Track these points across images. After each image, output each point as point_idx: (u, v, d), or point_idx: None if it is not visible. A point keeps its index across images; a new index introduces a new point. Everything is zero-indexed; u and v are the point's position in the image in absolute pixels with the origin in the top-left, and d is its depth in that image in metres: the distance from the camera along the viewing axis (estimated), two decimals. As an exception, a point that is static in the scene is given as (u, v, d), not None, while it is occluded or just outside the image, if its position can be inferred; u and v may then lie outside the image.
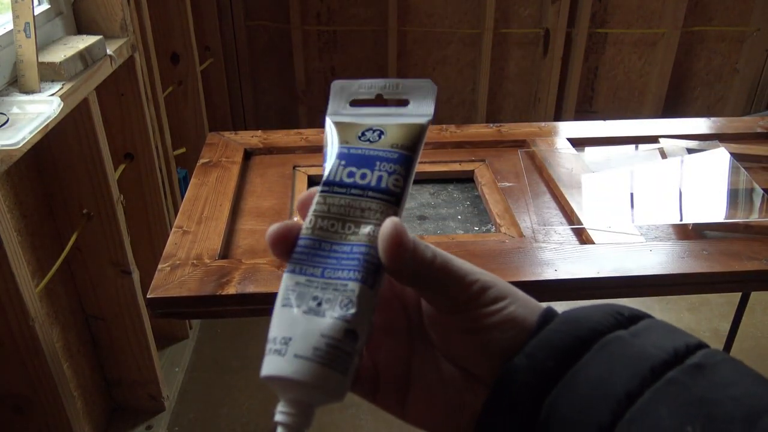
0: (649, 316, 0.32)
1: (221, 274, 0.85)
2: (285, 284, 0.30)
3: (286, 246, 0.31)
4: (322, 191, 0.32)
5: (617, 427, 0.27)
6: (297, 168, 1.16)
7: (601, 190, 1.07)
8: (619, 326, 0.30)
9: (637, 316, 0.31)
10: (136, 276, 1.40)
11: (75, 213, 1.28)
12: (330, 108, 0.35)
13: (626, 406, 0.27)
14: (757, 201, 1.01)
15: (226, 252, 0.93)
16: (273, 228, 0.31)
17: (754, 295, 1.55)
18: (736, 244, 0.91)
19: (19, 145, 0.89)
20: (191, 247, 0.91)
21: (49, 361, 1.02)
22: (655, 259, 0.88)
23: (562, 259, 0.88)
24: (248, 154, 1.21)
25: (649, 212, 1.03)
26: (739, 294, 1.47)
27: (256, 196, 1.08)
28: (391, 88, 0.34)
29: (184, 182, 1.81)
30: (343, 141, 0.33)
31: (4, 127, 0.93)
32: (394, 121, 0.34)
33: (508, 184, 1.10)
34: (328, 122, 0.35)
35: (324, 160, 0.33)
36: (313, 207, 0.32)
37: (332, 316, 0.29)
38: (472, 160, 1.19)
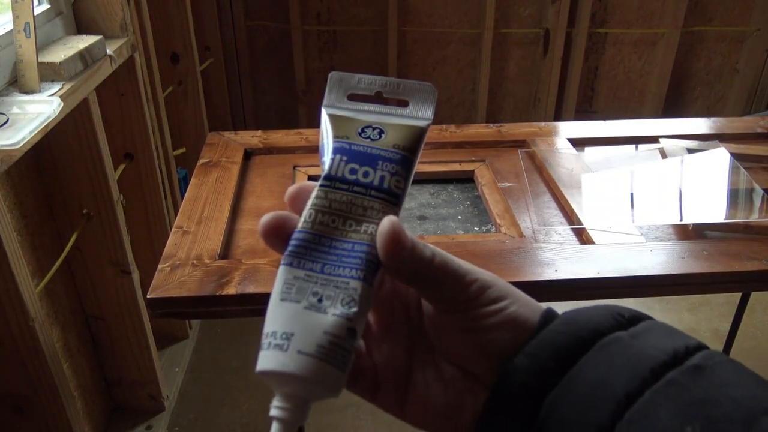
0: (649, 318, 0.32)
1: (221, 274, 0.85)
2: (283, 277, 0.30)
3: (280, 237, 0.31)
4: (322, 185, 0.32)
5: (616, 428, 0.27)
6: (297, 168, 1.16)
7: (601, 190, 1.07)
8: (619, 327, 0.31)
9: (637, 318, 0.31)
10: (136, 276, 1.40)
11: (75, 213, 1.28)
12: (326, 99, 0.35)
13: (625, 406, 0.27)
14: (757, 201, 1.01)
15: (226, 252, 0.93)
16: (267, 217, 0.31)
17: (754, 295, 1.55)
18: (737, 244, 0.91)
19: (19, 145, 0.89)
20: (191, 248, 0.91)
21: (49, 361, 1.02)
22: (656, 259, 0.88)
23: (563, 260, 0.88)
24: (248, 154, 1.21)
25: (649, 212, 1.03)
26: (739, 294, 1.47)
27: (256, 196, 1.08)
28: (391, 87, 0.34)
29: (184, 182, 1.81)
30: (342, 135, 0.33)
31: (4, 127, 0.93)
32: (394, 120, 0.33)
33: (508, 184, 1.10)
34: (324, 114, 0.34)
35: (321, 153, 0.33)
36: (312, 200, 0.31)
37: (334, 313, 0.29)
38: (472, 160, 1.19)
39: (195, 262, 0.88)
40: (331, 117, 0.34)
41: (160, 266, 0.87)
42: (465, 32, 2.39)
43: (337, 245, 0.30)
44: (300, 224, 0.31)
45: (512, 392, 0.30)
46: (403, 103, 0.34)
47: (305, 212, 0.31)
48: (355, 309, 0.29)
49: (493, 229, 1.02)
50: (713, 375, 0.27)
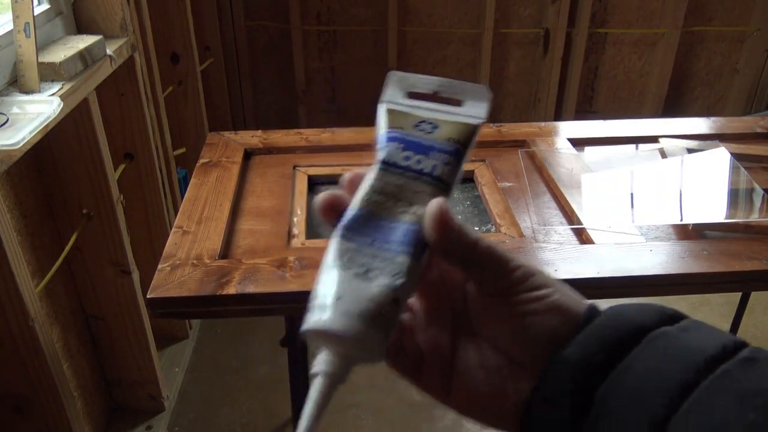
0: (688, 317, 0.32)
1: (221, 274, 0.85)
2: (335, 248, 0.32)
3: (335, 213, 0.33)
4: (380, 168, 0.33)
5: (673, 419, 0.27)
6: (297, 168, 1.16)
7: (601, 190, 1.07)
8: (663, 323, 0.31)
9: (679, 315, 0.32)
10: (136, 276, 1.40)
11: (75, 213, 1.28)
12: (385, 96, 0.36)
13: (681, 397, 0.27)
14: (757, 201, 1.01)
15: (226, 252, 0.93)
16: (324, 194, 0.33)
17: (754, 295, 1.55)
18: (737, 244, 0.91)
19: (19, 145, 0.89)
20: (191, 247, 0.91)
21: (49, 361, 1.02)
22: (655, 259, 0.88)
23: (562, 259, 0.88)
24: (248, 154, 1.21)
25: (649, 212, 1.03)
26: (739, 294, 1.47)
27: (256, 196, 1.08)
28: (448, 87, 0.36)
29: (184, 182, 1.81)
30: (398, 127, 0.35)
31: (4, 127, 0.93)
32: (448, 117, 0.35)
33: (508, 184, 1.10)
34: (383, 108, 0.36)
35: (376, 142, 0.35)
36: (367, 182, 0.33)
37: (380, 284, 0.30)
38: (472, 160, 1.19)
39: (195, 261, 0.88)
40: (389, 111, 0.36)
41: (160, 266, 0.87)
42: (465, 32, 2.39)
43: (387, 223, 0.32)
44: (356, 202, 0.33)
45: (561, 385, 0.30)
46: (458, 103, 0.36)
47: (360, 192, 0.33)
48: (400, 281, 0.30)
49: (493, 229, 1.02)
50: (765, 367, 0.28)
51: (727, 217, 0.99)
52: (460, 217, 1.06)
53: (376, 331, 0.30)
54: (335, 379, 0.30)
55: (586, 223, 0.96)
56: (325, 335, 0.30)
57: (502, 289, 0.32)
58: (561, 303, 0.32)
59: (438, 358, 0.34)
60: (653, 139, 1.23)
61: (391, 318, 0.30)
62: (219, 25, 2.27)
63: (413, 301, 0.35)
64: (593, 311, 0.32)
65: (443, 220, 0.31)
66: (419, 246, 0.31)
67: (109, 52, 1.23)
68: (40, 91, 1.04)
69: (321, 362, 0.30)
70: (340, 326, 0.29)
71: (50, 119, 0.97)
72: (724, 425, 0.26)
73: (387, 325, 0.30)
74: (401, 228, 0.32)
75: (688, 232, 0.97)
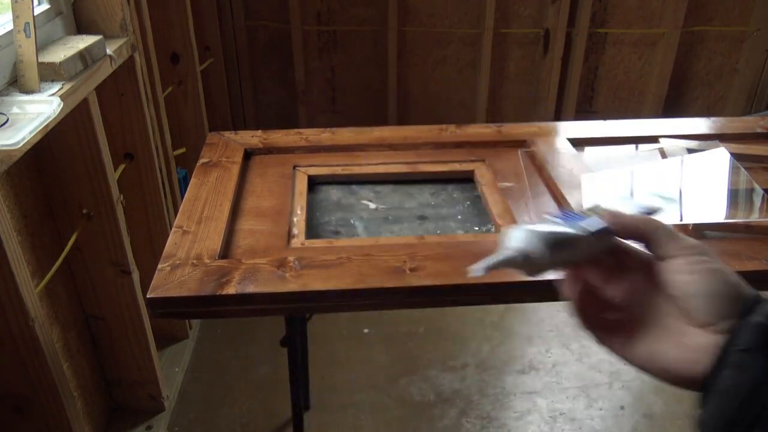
0: None
1: (221, 274, 0.85)
2: (542, 221, 0.45)
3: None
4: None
5: None
6: (297, 168, 1.16)
7: (601, 190, 1.07)
8: None
9: None
10: (136, 276, 1.40)
11: (75, 213, 1.28)
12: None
13: None
14: (758, 201, 1.01)
15: (226, 252, 0.93)
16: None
17: (754, 295, 1.55)
18: (737, 244, 0.91)
19: (19, 145, 0.89)
20: (191, 247, 0.91)
21: (49, 361, 1.02)
22: (655, 259, 0.88)
23: (562, 259, 0.88)
24: (248, 154, 1.21)
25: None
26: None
27: (256, 196, 1.08)
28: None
29: (184, 182, 1.81)
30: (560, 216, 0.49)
31: (4, 127, 0.93)
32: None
33: (508, 184, 1.10)
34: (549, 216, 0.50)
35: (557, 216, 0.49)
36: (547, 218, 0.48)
37: (567, 230, 0.43)
38: (472, 160, 1.19)
39: (195, 261, 0.88)
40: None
41: (160, 266, 0.87)
42: (465, 32, 2.39)
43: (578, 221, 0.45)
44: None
45: (757, 341, 0.36)
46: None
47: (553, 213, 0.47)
48: (578, 232, 0.43)
49: (493, 229, 1.02)
50: None
51: (727, 217, 0.99)
52: (459, 217, 1.07)
53: (547, 248, 0.42)
54: (509, 261, 0.43)
55: (586, 223, 0.96)
56: (513, 234, 0.43)
57: (672, 253, 0.41)
58: (719, 269, 0.40)
59: (626, 324, 0.43)
60: (653, 139, 1.23)
61: (561, 250, 0.43)
62: (219, 25, 2.27)
63: (613, 289, 0.45)
64: (756, 293, 0.40)
65: (616, 213, 0.44)
66: (599, 227, 0.44)
67: (109, 52, 1.23)
68: (40, 91, 1.04)
69: (506, 248, 0.43)
70: (527, 231, 0.43)
71: (50, 119, 0.97)
72: None
73: (556, 252, 0.42)
74: (594, 221, 0.45)
75: (688, 232, 0.97)
